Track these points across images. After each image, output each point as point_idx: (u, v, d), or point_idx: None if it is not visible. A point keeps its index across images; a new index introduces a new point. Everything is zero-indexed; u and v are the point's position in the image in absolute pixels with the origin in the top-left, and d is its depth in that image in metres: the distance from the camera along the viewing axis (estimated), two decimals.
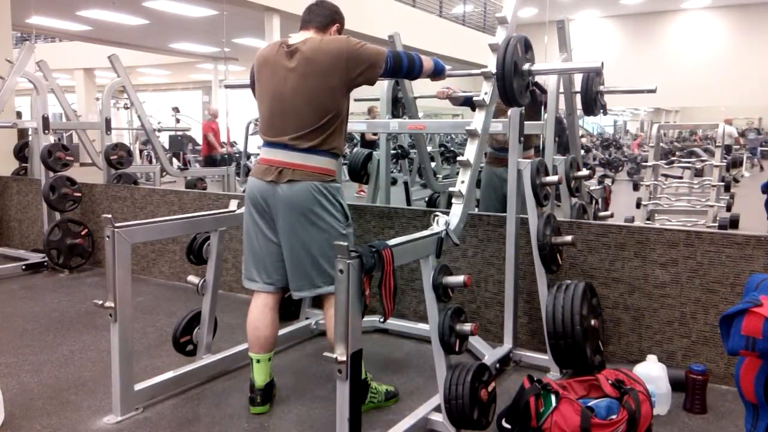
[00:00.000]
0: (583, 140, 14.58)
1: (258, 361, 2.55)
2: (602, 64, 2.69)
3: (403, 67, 2.49)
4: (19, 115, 8.64)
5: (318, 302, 3.68)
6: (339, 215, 2.44)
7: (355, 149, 6.36)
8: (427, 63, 2.60)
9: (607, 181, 8.74)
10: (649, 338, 2.99)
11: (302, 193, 2.36)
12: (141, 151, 13.85)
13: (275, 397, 2.66)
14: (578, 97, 3.50)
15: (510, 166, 2.92)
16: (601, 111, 3.50)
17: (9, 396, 2.60)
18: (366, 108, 9.21)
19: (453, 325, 2.21)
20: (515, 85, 2.56)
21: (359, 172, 4.90)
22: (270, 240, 2.49)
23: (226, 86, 3.83)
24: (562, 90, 3.54)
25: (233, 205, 3.07)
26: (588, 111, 3.46)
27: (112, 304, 2.43)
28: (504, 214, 3.05)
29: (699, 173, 8.03)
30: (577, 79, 3.53)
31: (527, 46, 2.68)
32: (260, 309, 2.59)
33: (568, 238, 2.90)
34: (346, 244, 1.87)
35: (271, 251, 2.51)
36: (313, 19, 2.48)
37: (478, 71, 2.75)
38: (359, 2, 11.70)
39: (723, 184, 7.05)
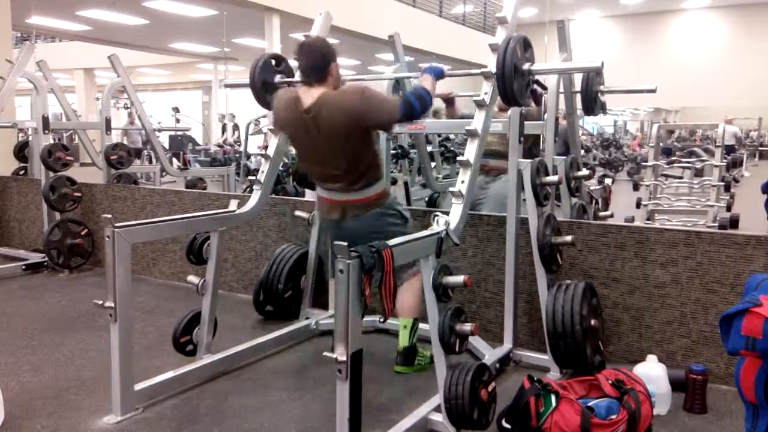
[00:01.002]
0: (583, 138, 14.60)
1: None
2: (602, 63, 2.69)
3: (415, 113, 2.59)
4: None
5: (318, 302, 3.69)
6: (399, 221, 2.79)
7: None
8: (432, 86, 2.67)
9: (607, 181, 8.74)
10: (649, 338, 2.99)
11: (367, 222, 2.69)
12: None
13: (292, 387, 2.82)
14: (578, 97, 3.50)
15: (510, 166, 2.92)
16: (601, 110, 3.50)
17: (9, 396, 2.60)
18: None
19: (453, 325, 2.21)
20: (515, 85, 2.56)
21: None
22: None
23: (226, 85, 3.85)
24: (562, 90, 3.54)
25: (233, 205, 3.07)
26: (588, 111, 3.46)
27: (112, 304, 2.43)
28: (504, 214, 3.05)
29: (699, 173, 8.03)
30: (577, 79, 3.53)
31: (527, 46, 2.67)
32: None
33: (568, 238, 2.90)
34: (345, 244, 1.88)
35: None
36: (311, 74, 2.61)
37: (478, 71, 2.75)
38: (359, 2, 11.71)
39: (723, 184, 7.05)
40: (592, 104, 3.41)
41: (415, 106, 2.57)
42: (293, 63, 2.92)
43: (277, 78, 3.20)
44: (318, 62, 2.59)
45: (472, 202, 4.00)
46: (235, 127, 14.34)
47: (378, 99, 2.57)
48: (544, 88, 3.36)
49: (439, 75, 2.75)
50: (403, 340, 2.91)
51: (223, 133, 14.81)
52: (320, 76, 2.60)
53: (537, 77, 2.78)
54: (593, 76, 3.38)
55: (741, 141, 15.72)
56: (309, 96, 2.58)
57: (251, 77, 3.15)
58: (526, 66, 2.62)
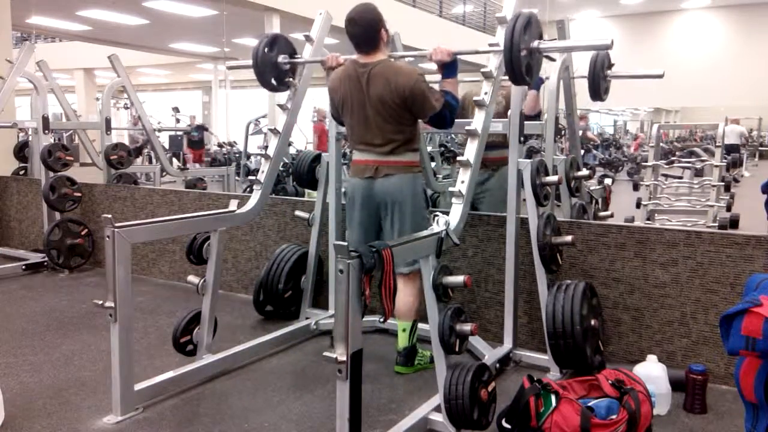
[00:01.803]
0: (591, 134, 14.64)
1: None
2: (612, 41, 2.51)
3: (447, 121, 2.75)
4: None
5: (318, 302, 3.69)
6: (423, 200, 2.90)
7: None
8: (455, 87, 2.80)
9: (607, 181, 8.74)
10: (649, 338, 2.99)
11: (398, 184, 2.77)
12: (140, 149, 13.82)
13: (292, 386, 2.82)
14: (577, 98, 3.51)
15: (510, 166, 2.92)
16: (605, 95, 3.50)
17: (9, 396, 2.59)
18: None
19: (453, 325, 2.21)
20: (523, 61, 2.46)
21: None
22: (375, 230, 2.89)
23: (228, 67, 3.84)
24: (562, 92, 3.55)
25: (233, 205, 3.07)
26: (595, 95, 3.45)
27: (112, 304, 2.43)
28: (504, 214, 3.05)
29: (699, 173, 8.03)
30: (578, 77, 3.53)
31: (535, 23, 2.53)
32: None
33: (568, 238, 2.90)
34: (345, 243, 1.88)
35: (370, 236, 2.86)
36: (364, 46, 2.74)
37: (486, 50, 2.74)
38: (359, 2, 11.68)
39: (723, 184, 7.04)
40: (599, 89, 3.43)
41: (447, 117, 2.73)
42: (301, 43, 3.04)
43: (280, 58, 3.19)
44: (369, 32, 2.71)
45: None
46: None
47: (427, 91, 2.66)
48: (552, 59, 3.29)
49: (456, 71, 2.82)
50: (403, 341, 2.92)
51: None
52: (373, 43, 2.74)
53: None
54: (601, 61, 3.41)
55: (747, 140, 15.72)
56: (368, 59, 2.74)
57: (254, 57, 3.14)
58: (534, 43, 2.53)
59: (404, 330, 2.90)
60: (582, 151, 8.23)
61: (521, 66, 2.44)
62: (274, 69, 3.19)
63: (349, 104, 2.81)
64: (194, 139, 13.16)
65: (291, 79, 3.27)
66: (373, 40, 2.73)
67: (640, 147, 17.83)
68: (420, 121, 2.81)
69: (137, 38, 15.09)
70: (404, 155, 2.79)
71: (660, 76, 3.37)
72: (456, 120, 2.80)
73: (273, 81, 3.21)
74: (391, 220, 2.82)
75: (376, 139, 2.77)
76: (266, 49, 3.14)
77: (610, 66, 3.52)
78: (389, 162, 2.78)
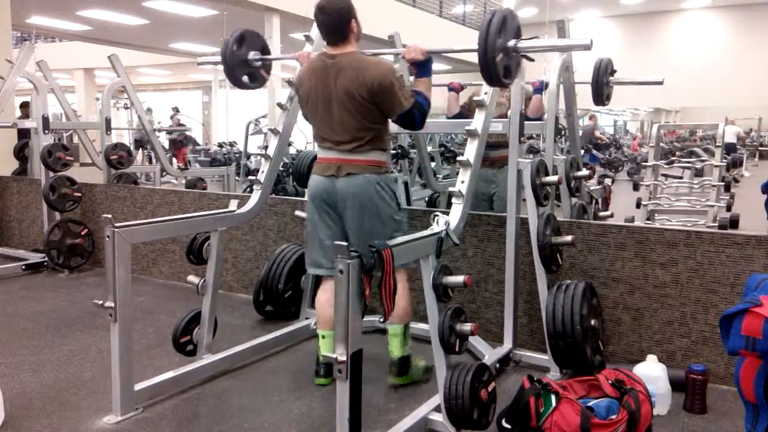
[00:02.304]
0: (599, 133, 14.66)
1: (323, 336, 2.79)
2: (591, 41, 2.40)
3: (416, 122, 2.62)
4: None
5: None
6: (392, 202, 2.68)
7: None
8: (429, 91, 2.67)
9: (607, 181, 8.74)
10: (649, 338, 2.98)
11: (359, 186, 2.61)
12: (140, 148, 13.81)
13: (293, 386, 2.81)
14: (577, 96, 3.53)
15: (510, 166, 2.92)
16: (607, 100, 3.68)
17: (9, 396, 2.59)
18: None
19: (453, 325, 2.21)
20: (499, 63, 2.32)
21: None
22: (332, 231, 2.71)
23: (198, 63, 3.81)
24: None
25: (233, 205, 3.07)
26: (598, 100, 3.59)
27: (112, 304, 2.43)
28: (504, 214, 3.05)
29: (699, 173, 8.03)
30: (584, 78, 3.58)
31: (512, 21, 2.36)
32: (329, 293, 2.75)
33: (568, 238, 2.90)
34: (345, 244, 1.88)
35: (333, 239, 2.67)
36: (332, 36, 2.61)
37: (461, 48, 2.71)
38: (359, 2, 11.68)
39: (723, 184, 7.04)
40: (602, 94, 3.56)
41: (416, 118, 2.61)
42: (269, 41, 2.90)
43: (251, 55, 3.11)
44: (339, 22, 2.59)
45: (487, 195, 4.01)
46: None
47: (398, 87, 2.54)
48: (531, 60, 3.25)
49: (430, 71, 2.71)
50: (397, 350, 2.77)
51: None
52: (343, 35, 2.61)
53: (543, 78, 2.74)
54: (604, 68, 3.53)
55: (743, 139, 15.72)
56: (337, 51, 2.61)
57: (223, 54, 3.06)
58: (511, 42, 2.36)
59: (396, 335, 2.75)
60: (582, 151, 8.24)
61: (497, 68, 2.30)
62: (245, 66, 3.11)
63: (313, 98, 2.66)
64: (177, 139, 13.16)
65: (263, 75, 3.16)
66: (342, 31, 2.60)
67: (640, 147, 17.84)
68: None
69: (137, 38, 15.08)
70: (369, 154, 2.62)
71: (660, 83, 3.41)
72: (458, 120, 2.80)
73: (245, 78, 3.14)
74: (351, 223, 2.65)
75: (340, 136, 2.61)
76: (235, 47, 3.05)
77: (613, 72, 3.61)
78: (353, 161, 2.62)
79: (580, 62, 3.74)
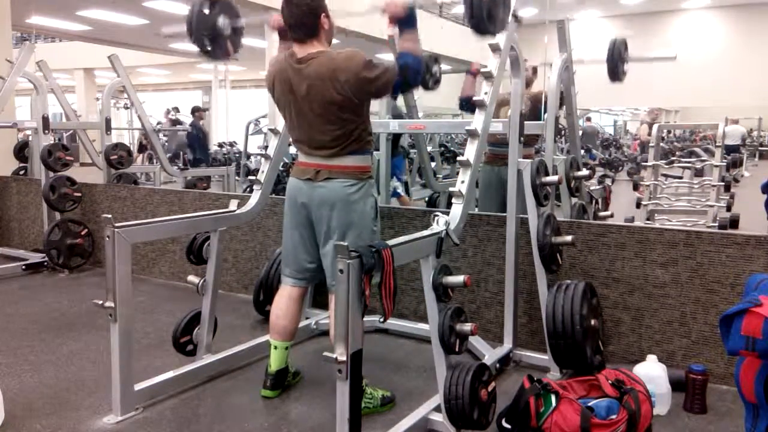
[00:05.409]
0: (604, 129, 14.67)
1: (275, 347, 2.66)
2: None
3: (410, 82, 2.42)
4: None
5: (318, 302, 3.69)
6: (370, 211, 2.53)
7: None
8: (416, 40, 2.42)
9: (607, 181, 8.74)
10: (649, 338, 2.98)
11: (336, 191, 2.46)
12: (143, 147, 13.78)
13: (291, 386, 2.78)
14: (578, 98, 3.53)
15: (510, 166, 2.92)
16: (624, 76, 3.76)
17: (9, 396, 2.59)
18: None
19: (453, 325, 2.21)
20: (484, 6, 2.27)
21: None
22: (302, 235, 2.62)
23: (165, 36, 3.70)
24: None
25: (233, 205, 3.07)
26: (614, 76, 3.66)
27: (112, 304, 2.43)
28: (504, 214, 3.05)
29: (699, 173, 8.02)
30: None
31: None
32: (284, 300, 2.70)
33: (568, 238, 2.90)
34: (346, 243, 1.88)
35: (301, 247, 2.64)
36: (299, 30, 2.40)
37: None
38: (359, 2, 11.69)
39: (723, 184, 7.04)
40: (617, 70, 3.66)
41: (411, 79, 2.40)
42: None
43: (220, 21, 2.92)
44: (306, 17, 2.37)
45: (499, 193, 3.99)
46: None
47: (374, 70, 2.31)
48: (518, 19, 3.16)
49: (414, 21, 2.42)
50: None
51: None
52: (311, 31, 2.39)
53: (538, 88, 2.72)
54: (619, 45, 3.64)
55: (745, 140, 15.70)
56: (303, 50, 2.41)
57: (188, 21, 2.85)
58: None
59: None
60: (582, 151, 8.23)
61: (481, 11, 2.21)
62: (211, 30, 2.90)
63: (284, 104, 2.52)
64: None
65: (229, 48, 2.99)
66: (310, 27, 2.38)
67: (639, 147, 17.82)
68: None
69: (137, 38, 15.08)
70: (347, 158, 2.46)
71: (672, 59, 3.47)
72: (455, 120, 2.79)
73: (206, 42, 2.91)
74: (323, 230, 2.50)
75: (317, 142, 2.47)
76: (206, 7, 2.87)
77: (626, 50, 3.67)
78: (331, 166, 2.46)
79: (584, 50, 3.84)
